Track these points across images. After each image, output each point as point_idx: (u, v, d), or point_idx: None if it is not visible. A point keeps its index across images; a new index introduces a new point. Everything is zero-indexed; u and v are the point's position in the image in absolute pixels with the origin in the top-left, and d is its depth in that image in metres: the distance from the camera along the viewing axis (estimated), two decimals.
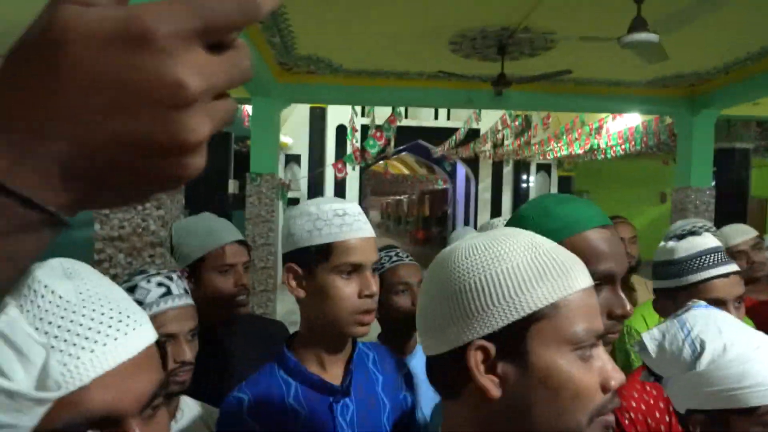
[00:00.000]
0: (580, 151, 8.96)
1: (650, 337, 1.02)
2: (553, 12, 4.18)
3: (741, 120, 6.70)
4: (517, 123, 7.78)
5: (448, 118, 11.05)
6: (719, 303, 1.41)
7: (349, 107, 8.34)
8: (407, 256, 1.64)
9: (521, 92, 6.20)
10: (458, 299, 0.64)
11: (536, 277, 0.63)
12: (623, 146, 8.18)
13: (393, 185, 18.52)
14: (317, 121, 10.51)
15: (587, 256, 0.91)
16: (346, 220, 1.05)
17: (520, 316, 0.62)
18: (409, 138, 10.95)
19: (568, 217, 0.92)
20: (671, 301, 1.46)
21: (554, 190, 10.90)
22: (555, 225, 0.93)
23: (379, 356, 1.13)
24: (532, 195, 10.95)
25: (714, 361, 0.93)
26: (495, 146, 9.41)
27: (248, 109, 6.99)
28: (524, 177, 10.89)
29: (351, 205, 1.09)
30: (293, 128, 10.28)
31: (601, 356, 0.66)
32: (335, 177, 8.57)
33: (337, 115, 10.35)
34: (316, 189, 10.29)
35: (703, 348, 0.95)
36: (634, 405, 1.33)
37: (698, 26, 4.32)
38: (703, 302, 1.07)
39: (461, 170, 12.19)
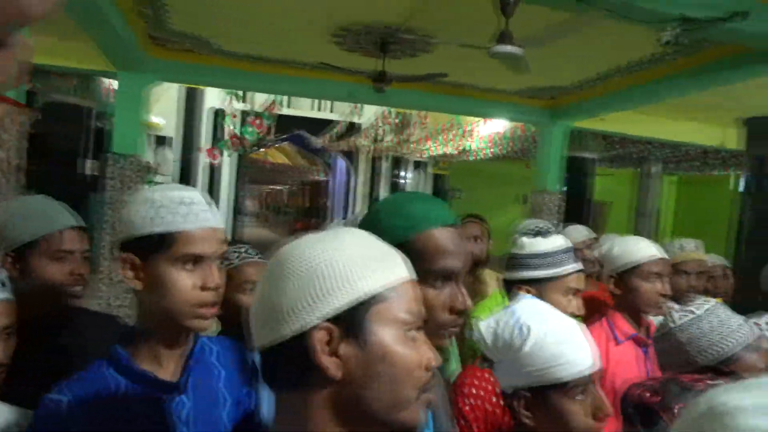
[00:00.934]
0: (454, 152, 9.43)
1: (486, 326, 1.12)
2: (432, 16, 4.34)
3: (589, 132, 7.49)
4: (396, 120, 8.00)
5: (331, 110, 11.05)
6: (574, 292, 1.59)
7: (227, 91, 7.99)
8: (257, 254, 1.61)
9: (401, 90, 6.36)
10: (304, 284, 0.66)
11: (374, 264, 0.69)
12: (492, 149, 8.76)
13: (273, 174, 18.11)
14: (192, 103, 9.94)
15: (432, 252, 0.95)
16: (192, 209, 1.00)
17: (359, 299, 0.66)
18: (289, 127, 10.78)
19: (417, 215, 0.96)
20: (536, 290, 1.59)
21: (429, 187, 11.39)
22: (404, 222, 0.96)
23: (223, 350, 1.09)
24: (407, 191, 11.34)
25: (537, 343, 1.05)
26: (374, 141, 9.59)
27: (114, 84, 6.42)
28: (401, 173, 11.23)
29: (197, 194, 1.04)
30: (165, 109, 9.63)
31: (423, 339, 0.73)
32: (210, 163, 8.19)
33: (214, 98, 9.87)
34: (187, 174, 9.75)
35: (529, 332, 1.06)
36: (474, 391, 1.43)
37: (559, 45, 4.74)
38: (529, 294, 1.19)
39: (341, 163, 12.28)
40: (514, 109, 7.01)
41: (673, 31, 3.27)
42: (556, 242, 1.62)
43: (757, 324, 1.47)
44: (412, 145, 9.37)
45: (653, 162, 10.24)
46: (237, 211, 10.95)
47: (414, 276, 0.74)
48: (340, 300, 0.65)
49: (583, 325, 1.16)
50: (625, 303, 1.94)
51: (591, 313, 2.21)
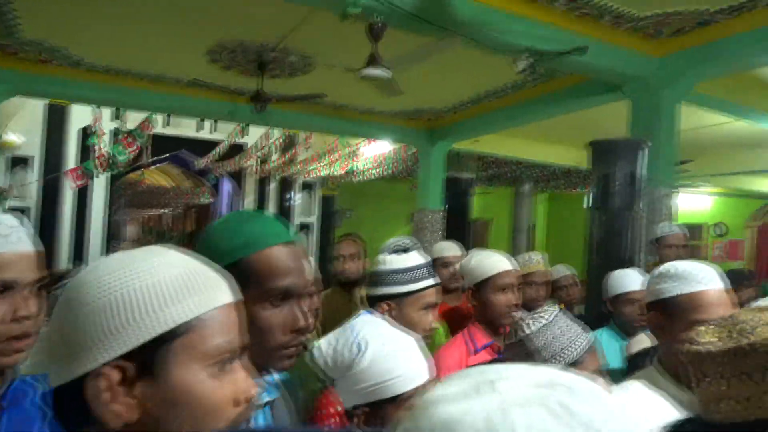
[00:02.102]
0: (341, 172, 9.50)
1: (327, 344, 1.11)
2: (309, 36, 4.38)
3: (466, 153, 7.93)
4: (280, 140, 7.91)
5: (214, 130, 10.68)
6: (431, 307, 1.62)
7: (95, 107, 7.43)
8: None
9: (282, 110, 6.32)
10: (96, 317, 0.59)
11: (174, 293, 0.62)
12: (377, 170, 8.95)
13: (154, 197, 17.03)
14: (57, 120, 9.11)
15: (270, 271, 0.93)
16: (1, 231, 0.90)
17: (157, 333, 0.60)
18: (170, 148, 10.25)
19: (252, 234, 0.94)
20: (396, 305, 1.61)
21: (317, 208, 11.34)
22: (238, 242, 0.94)
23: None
24: (296, 212, 11.20)
25: (374, 359, 1.06)
26: (260, 162, 9.41)
27: None
28: (289, 195, 11.09)
29: (8, 216, 0.95)
30: (28, 126, 8.74)
31: (239, 370, 0.67)
32: (77, 185, 7.53)
33: (83, 115, 9.13)
34: (52, 197, 8.87)
35: (366, 347, 1.07)
36: (332, 411, 1.42)
37: (433, 69, 4.99)
38: (368, 311, 1.21)
39: (226, 185, 11.87)
40: (395, 131, 7.24)
41: (525, 60, 3.58)
42: (414, 259, 1.66)
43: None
44: (298, 166, 9.30)
45: (525, 181, 11.05)
46: (110, 236, 10.14)
47: (238, 298, 0.69)
48: (135, 336, 0.59)
49: (444, 337, 1.19)
50: (481, 314, 2.03)
51: (457, 325, 2.30)
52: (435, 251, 2.95)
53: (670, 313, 1.42)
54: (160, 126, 10.15)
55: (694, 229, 12.20)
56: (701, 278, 1.34)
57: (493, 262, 1.96)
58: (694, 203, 11.97)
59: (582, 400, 0.31)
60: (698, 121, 5.87)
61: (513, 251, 8.85)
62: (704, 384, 0.73)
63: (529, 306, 2.45)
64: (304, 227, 11.35)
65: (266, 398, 0.99)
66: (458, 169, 8.05)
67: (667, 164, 4.13)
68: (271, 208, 11.16)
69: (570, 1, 3.49)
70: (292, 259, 0.95)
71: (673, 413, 0.92)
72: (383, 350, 1.07)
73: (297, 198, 11.19)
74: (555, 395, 0.32)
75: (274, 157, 9.02)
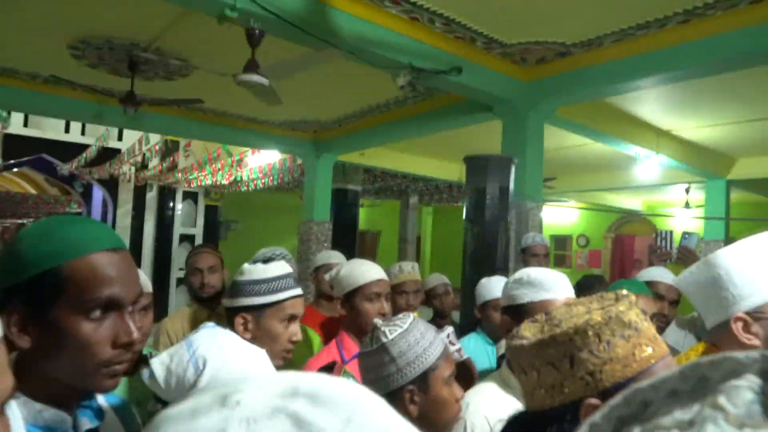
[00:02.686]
0: (225, 182, 9.16)
1: (159, 362, 1.01)
2: (185, 38, 4.17)
3: (352, 166, 8.01)
4: (156, 147, 7.44)
5: (83, 133, 9.81)
6: (292, 318, 1.56)
7: None
8: None
9: (158, 114, 5.96)
10: None
11: None
12: (263, 180, 8.74)
13: (11, 205, 15.27)
14: None
15: (88, 281, 0.84)
16: None
17: None
18: (28, 150, 9.25)
19: (69, 240, 0.84)
20: (254, 317, 1.53)
21: (201, 219, 10.83)
22: (54, 247, 0.84)
23: None
24: (177, 223, 10.60)
25: (213, 377, 0.97)
26: (137, 169, 8.78)
27: None
28: (170, 204, 10.47)
29: None
30: None
31: None
32: None
33: None
34: None
35: (205, 365, 0.98)
36: None
37: (317, 81, 4.99)
38: (212, 323, 1.13)
39: (98, 193, 10.93)
40: (280, 141, 7.12)
41: (405, 77, 3.68)
42: (276, 269, 1.60)
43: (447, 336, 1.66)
44: (179, 174, 8.82)
45: (412, 194, 11.39)
46: None
47: None
48: None
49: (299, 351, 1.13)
50: (352, 323, 2.03)
51: (332, 335, 2.27)
52: (319, 259, 2.92)
53: (521, 319, 1.50)
54: (17, 126, 9.16)
55: (563, 240, 13.32)
56: (550, 287, 1.42)
57: (362, 271, 1.96)
58: (562, 217, 13.07)
59: (322, 408, 0.30)
60: (562, 141, 6.42)
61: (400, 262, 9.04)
62: (523, 376, 0.77)
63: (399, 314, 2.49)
64: (186, 239, 10.75)
65: (86, 426, 0.89)
66: (345, 181, 8.10)
67: (534, 180, 4.45)
68: (150, 218, 10.45)
69: (447, 23, 3.65)
70: (116, 267, 0.86)
71: (519, 408, 0.96)
72: (224, 368, 0.99)
73: (179, 208, 10.59)
74: (295, 405, 0.30)
75: (153, 163, 8.47)
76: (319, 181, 7.19)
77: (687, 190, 8.94)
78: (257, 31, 3.11)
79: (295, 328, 1.57)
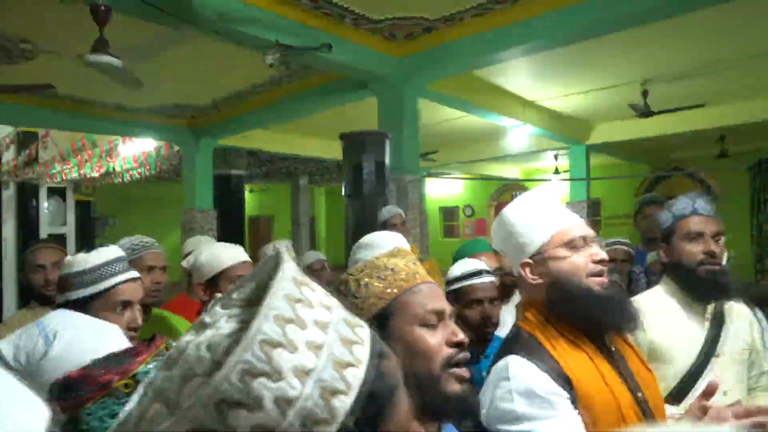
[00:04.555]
0: (96, 174, 8.46)
1: (6, 342, 1.02)
2: (23, 17, 3.75)
3: (235, 150, 7.75)
4: (8, 139, 6.68)
5: None
6: (127, 305, 1.46)
7: None
8: None
9: (6, 104, 5.36)
10: None
11: None
12: (139, 170, 8.19)
13: None
14: None
15: None
16: None
17: None
18: None
19: None
20: (84, 311, 1.42)
21: (72, 216, 9.93)
22: None
23: None
24: (44, 222, 9.64)
25: (66, 345, 0.98)
26: None
27: None
28: (33, 202, 9.47)
29: None
30: None
31: None
32: None
33: None
34: None
35: (55, 336, 1.00)
36: None
37: (185, 63, 4.72)
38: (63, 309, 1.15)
39: None
40: (154, 128, 6.70)
41: (274, 55, 3.60)
42: (101, 255, 1.48)
43: None
44: (39, 168, 7.98)
45: (301, 176, 11.26)
46: None
47: None
48: None
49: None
50: None
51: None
52: (188, 246, 2.82)
53: None
54: None
55: (450, 211, 13.92)
56: (384, 246, 1.48)
57: (224, 255, 1.91)
58: (448, 189, 13.62)
59: None
60: (440, 115, 6.66)
61: (294, 244, 8.95)
62: None
63: None
64: (56, 238, 9.82)
65: None
66: (229, 166, 7.82)
67: (412, 154, 4.59)
68: (10, 219, 9.40)
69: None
70: None
71: None
72: (76, 340, 0.98)
73: (44, 206, 9.62)
74: None
75: (6, 158, 7.59)
76: (199, 167, 6.89)
77: (555, 157, 9.70)
78: (103, 8, 2.87)
79: (131, 315, 1.47)
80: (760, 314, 1.80)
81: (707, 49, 4.87)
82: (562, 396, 0.99)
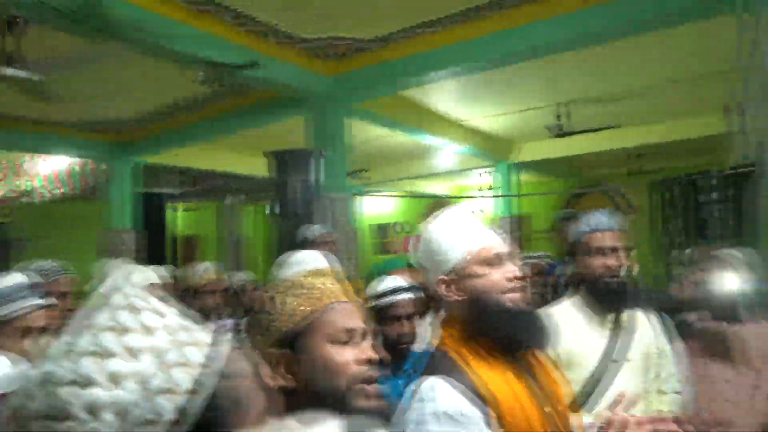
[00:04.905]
0: (12, 194, 7.93)
1: None
2: None
3: (164, 168, 7.49)
4: None
5: None
6: (28, 332, 1.39)
7: None
8: None
9: None
10: None
11: None
12: (61, 189, 7.75)
13: None
14: None
15: None
16: None
17: None
18: None
19: None
20: None
21: None
22: None
23: None
24: None
25: None
26: None
27: None
28: None
29: None
30: None
31: None
32: None
33: None
34: None
35: None
36: None
37: (107, 77, 4.55)
38: None
39: None
40: (73, 144, 6.39)
41: (200, 72, 3.56)
42: (9, 281, 1.42)
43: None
44: None
45: (233, 194, 11.00)
46: None
47: None
48: None
49: None
50: None
51: None
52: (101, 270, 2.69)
53: None
54: None
55: (384, 228, 14.04)
56: (304, 264, 1.49)
57: (139, 275, 1.86)
58: (382, 207, 13.76)
59: None
60: (370, 133, 6.75)
61: (225, 265, 8.70)
62: None
63: (207, 314, 2.44)
64: None
65: None
66: (156, 184, 7.55)
67: (341, 172, 4.62)
68: None
69: (237, 16, 3.60)
70: None
71: None
72: None
73: None
74: None
75: None
76: (124, 185, 6.61)
77: (480, 175, 10.05)
78: (18, 21, 2.75)
79: (35, 343, 1.40)
80: (667, 320, 1.94)
81: (621, 76, 5.24)
82: (475, 416, 1.02)
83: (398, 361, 1.70)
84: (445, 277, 1.17)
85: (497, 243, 1.18)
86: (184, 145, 6.62)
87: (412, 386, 1.10)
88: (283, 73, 4.22)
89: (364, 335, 0.91)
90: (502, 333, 1.11)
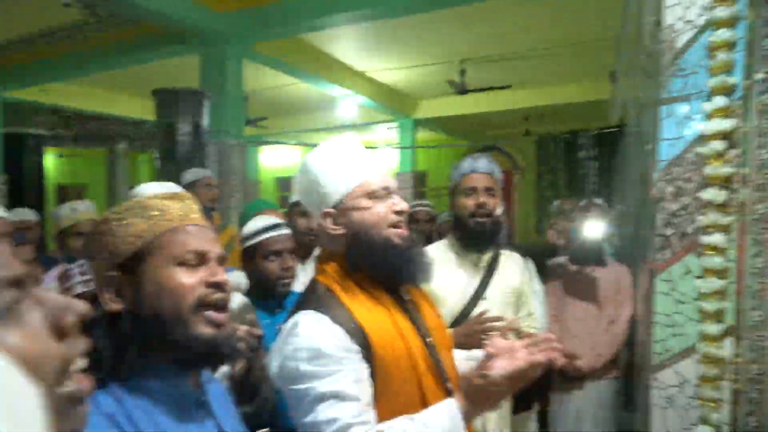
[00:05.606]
0: None
1: None
2: None
3: (31, 105, 6.70)
4: None
5: None
6: None
7: None
8: None
9: None
10: None
11: None
12: None
13: None
14: None
15: None
16: None
17: None
18: None
19: None
20: None
21: None
22: None
23: None
24: None
25: None
26: None
27: None
28: None
29: None
30: None
31: None
32: None
33: None
34: None
35: None
36: None
37: None
38: None
39: None
40: None
41: None
42: None
43: None
44: None
45: (118, 140, 10.16)
46: None
47: None
48: None
49: None
50: None
51: None
52: None
53: None
54: None
55: (286, 181, 13.77)
56: (160, 189, 1.41)
57: None
58: (285, 159, 13.43)
59: None
60: (270, 81, 6.47)
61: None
62: None
63: (74, 256, 2.24)
64: None
65: None
66: (22, 124, 6.76)
67: (235, 117, 4.40)
68: None
69: None
70: None
71: None
72: None
73: None
74: None
75: None
76: None
77: (388, 129, 10.08)
78: None
79: None
80: (531, 264, 2.07)
81: (516, 36, 5.38)
82: (351, 351, 1.01)
83: (279, 300, 1.66)
84: (330, 210, 1.12)
85: (382, 176, 1.13)
86: (58, 80, 5.95)
87: (286, 323, 1.07)
88: (169, 5, 3.87)
89: (220, 261, 0.84)
90: (385, 267, 1.09)
